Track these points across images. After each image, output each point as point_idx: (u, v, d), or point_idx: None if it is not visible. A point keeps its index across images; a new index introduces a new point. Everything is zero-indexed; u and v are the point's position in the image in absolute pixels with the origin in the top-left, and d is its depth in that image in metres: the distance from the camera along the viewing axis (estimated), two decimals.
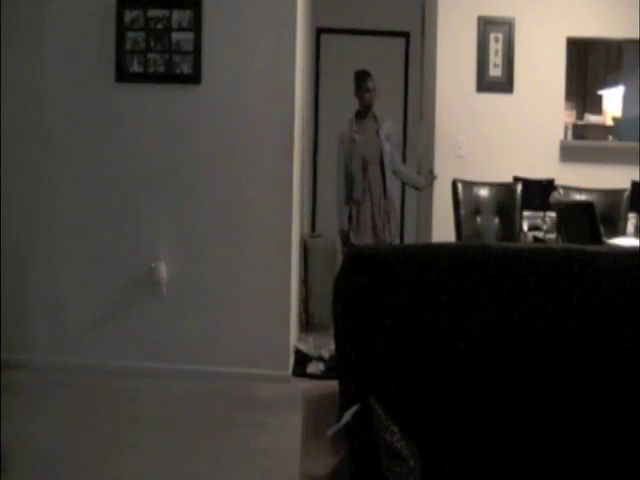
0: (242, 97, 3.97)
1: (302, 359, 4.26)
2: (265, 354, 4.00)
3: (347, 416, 1.37)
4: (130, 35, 3.93)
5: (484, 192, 4.47)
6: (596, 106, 5.81)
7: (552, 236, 4.04)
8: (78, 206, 4.05)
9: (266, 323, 4.00)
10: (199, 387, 3.85)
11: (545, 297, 1.49)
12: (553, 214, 4.06)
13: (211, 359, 4.01)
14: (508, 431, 1.46)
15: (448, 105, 5.16)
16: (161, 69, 3.94)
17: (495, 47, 5.14)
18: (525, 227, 4.47)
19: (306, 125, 5.44)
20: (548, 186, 4.49)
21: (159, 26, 3.92)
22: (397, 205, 4.87)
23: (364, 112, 4.46)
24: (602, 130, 5.45)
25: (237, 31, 3.94)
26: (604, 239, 3.62)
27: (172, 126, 3.99)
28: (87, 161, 4.03)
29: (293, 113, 3.98)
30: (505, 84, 5.16)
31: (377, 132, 4.44)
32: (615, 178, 4.72)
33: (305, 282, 5.28)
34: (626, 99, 5.54)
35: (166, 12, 3.91)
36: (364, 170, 4.40)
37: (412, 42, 6.73)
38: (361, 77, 4.43)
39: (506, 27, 5.13)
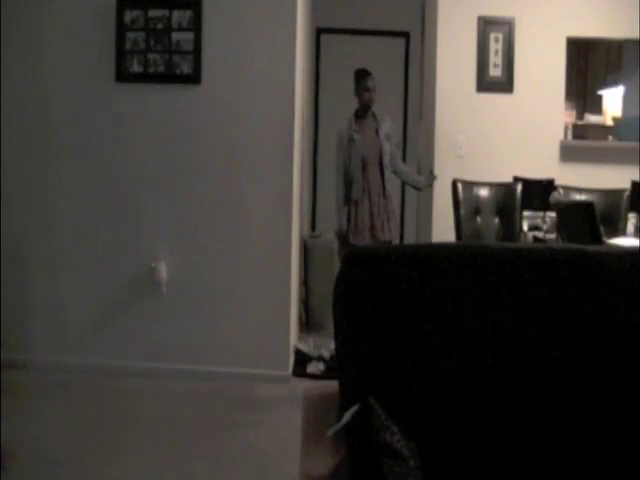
0: (242, 97, 3.97)
1: (302, 359, 4.26)
2: (265, 354, 4.00)
3: (347, 416, 1.37)
4: (130, 35, 3.93)
5: (484, 192, 4.47)
6: (596, 106, 5.82)
7: (552, 236, 4.04)
8: (78, 206, 4.05)
9: (266, 323, 4.00)
10: (199, 387, 3.85)
11: (545, 297, 1.49)
12: (553, 214, 4.06)
13: (211, 359, 4.01)
14: (508, 431, 1.46)
15: (448, 105, 5.16)
16: (161, 69, 3.94)
17: (495, 47, 5.14)
18: (525, 227, 4.47)
19: (306, 125, 5.44)
20: (548, 186, 4.49)
21: (159, 26, 3.92)
22: (396, 205, 4.83)
23: (363, 111, 4.45)
24: (602, 130, 5.45)
25: (237, 31, 3.94)
26: (604, 239, 3.62)
27: (172, 126, 3.99)
28: (87, 161, 4.03)
29: (293, 113, 3.98)
30: (505, 84, 5.16)
31: (377, 131, 4.43)
32: (615, 178, 4.72)
33: (305, 282, 5.28)
34: (626, 99, 5.54)
35: (166, 12, 3.91)
36: (363, 170, 4.38)
37: (412, 42, 6.73)
38: (360, 76, 4.42)
39: (506, 27, 5.13)
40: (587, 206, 3.46)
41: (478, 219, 4.44)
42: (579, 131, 5.44)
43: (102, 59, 3.97)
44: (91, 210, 4.05)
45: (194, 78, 3.94)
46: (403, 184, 4.99)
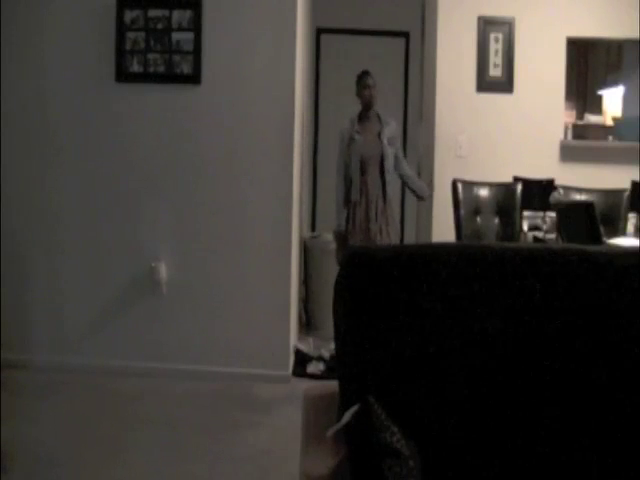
0: (242, 97, 3.97)
1: (302, 359, 4.26)
2: (265, 354, 4.00)
3: (347, 416, 1.37)
4: (130, 35, 3.93)
5: (484, 192, 4.47)
6: (596, 106, 5.82)
7: (552, 236, 4.04)
8: (78, 206, 4.05)
9: (266, 323, 4.00)
10: (199, 387, 3.85)
11: (545, 297, 1.49)
12: (553, 214, 4.06)
13: (211, 359, 4.01)
14: (508, 431, 1.46)
15: (448, 105, 5.16)
16: (161, 69, 3.94)
17: (495, 47, 5.14)
18: (525, 227, 4.46)
19: (306, 125, 5.44)
20: (548, 186, 4.49)
21: (159, 26, 3.92)
22: (396, 210, 4.76)
23: (366, 111, 4.44)
24: (602, 130, 5.46)
25: (237, 31, 3.94)
26: (604, 239, 3.62)
27: (172, 126, 3.99)
28: (87, 161, 4.03)
29: (293, 113, 3.98)
30: (505, 84, 5.16)
31: (379, 134, 4.41)
32: (615, 178, 4.72)
33: (305, 282, 5.28)
34: (626, 99, 5.55)
35: (166, 12, 3.91)
36: (362, 171, 4.37)
37: (412, 42, 6.73)
38: (360, 76, 4.44)
39: (506, 27, 5.13)
40: (587, 206, 3.46)
41: (478, 219, 4.44)
42: (579, 131, 5.44)
43: (102, 59, 3.96)
44: (91, 210, 4.05)
45: (194, 78, 3.94)
46: (403, 186, 4.94)
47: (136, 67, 3.94)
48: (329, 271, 4.93)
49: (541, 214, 4.39)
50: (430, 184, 4.79)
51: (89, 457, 2.99)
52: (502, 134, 5.16)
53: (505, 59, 5.14)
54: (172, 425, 3.36)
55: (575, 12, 5.13)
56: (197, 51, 3.92)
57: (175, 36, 3.92)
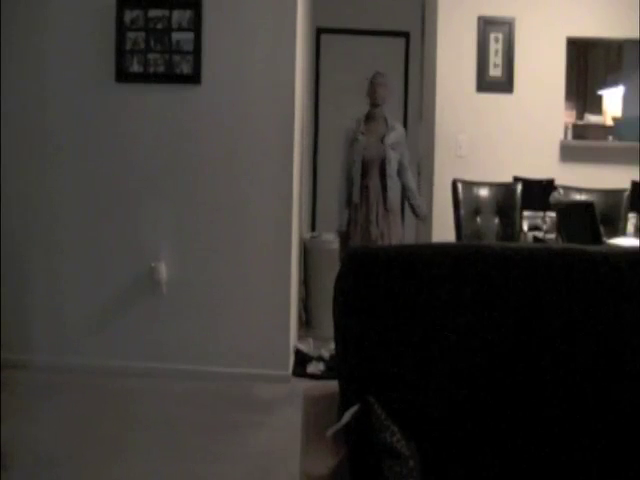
0: (242, 97, 3.97)
1: (302, 359, 4.26)
2: (265, 354, 4.00)
3: (347, 416, 1.37)
4: (130, 35, 3.93)
5: (484, 192, 4.47)
6: (596, 106, 5.82)
7: (552, 236, 4.04)
8: (78, 206, 4.05)
9: (266, 323, 4.00)
10: (199, 387, 3.85)
11: (545, 297, 1.49)
12: (553, 214, 4.06)
13: (211, 359, 4.01)
14: (508, 431, 1.46)
15: (448, 105, 5.16)
16: (161, 69, 3.94)
17: (495, 47, 5.14)
18: (525, 227, 4.46)
19: (306, 125, 5.44)
20: (548, 186, 4.49)
21: (159, 26, 3.92)
22: (399, 216, 4.53)
23: (373, 110, 4.39)
24: (602, 130, 5.46)
25: (237, 31, 3.94)
26: (604, 239, 3.62)
27: (172, 126, 3.99)
28: (87, 161, 4.03)
29: (293, 113, 3.98)
30: (505, 84, 5.16)
31: (382, 139, 4.32)
32: (615, 178, 4.72)
33: (305, 282, 5.28)
34: (626, 99, 5.55)
35: (166, 12, 3.91)
36: (363, 174, 4.33)
37: (412, 42, 6.73)
38: (372, 75, 4.40)
39: (506, 27, 5.13)
40: (587, 206, 3.46)
41: (478, 219, 4.44)
42: (579, 131, 5.44)
43: (102, 59, 3.96)
44: (91, 210, 4.05)
45: (194, 78, 3.93)
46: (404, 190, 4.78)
47: (136, 67, 3.94)
48: (329, 271, 4.92)
49: (541, 214, 4.39)
50: (429, 205, 4.62)
51: (89, 457, 2.99)
52: (502, 134, 5.16)
53: (505, 59, 5.14)
54: (172, 425, 3.36)
55: (575, 12, 5.13)
56: (197, 51, 3.92)
57: (175, 36, 3.92)
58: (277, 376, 3.99)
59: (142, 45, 3.93)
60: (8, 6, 3.94)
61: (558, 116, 5.21)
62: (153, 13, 3.91)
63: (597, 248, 1.65)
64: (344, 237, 4.45)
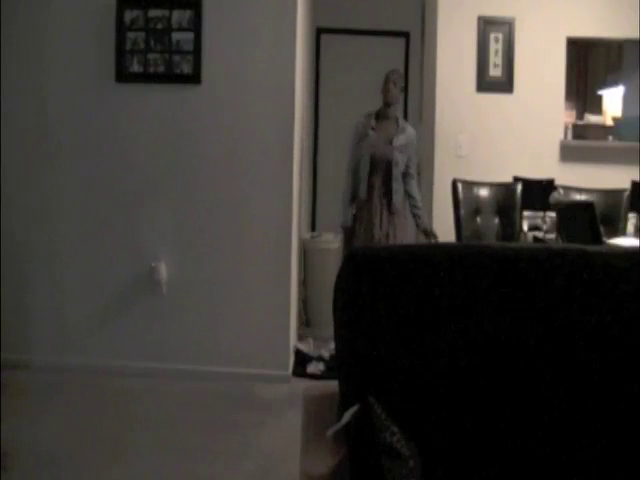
0: (242, 97, 3.96)
1: (302, 359, 4.26)
2: (265, 354, 4.00)
3: (347, 416, 1.37)
4: (130, 35, 3.93)
5: (484, 192, 4.47)
6: (596, 106, 5.83)
7: (552, 236, 4.04)
8: (78, 206, 4.05)
9: (266, 323, 4.00)
10: (199, 387, 3.85)
11: (545, 297, 1.49)
12: (553, 214, 4.06)
13: (211, 359, 4.01)
14: (508, 431, 1.46)
15: (448, 105, 5.16)
16: (161, 69, 3.94)
17: (495, 47, 5.15)
18: (525, 227, 4.47)
19: (306, 125, 5.44)
20: (548, 186, 4.49)
21: (159, 26, 3.92)
22: (404, 217, 4.41)
23: (386, 109, 4.35)
24: (602, 130, 5.46)
25: (237, 31, 3.94)
26: (604, 239, 3.62)
27: (172, 126, 3.99)
28: (87, 161, 4.03)
29: (293, 113, 3.98)
30: (505, 84, 5.16)
31: (391, 140, 4.27)
32: (615, 178, 4.72)
33: (305, 282, 5.28)
34: (626, 99, 5.55)
35: (166, 12, 3.91)
36: (370, 171, 4.31)
37: (412, 42, 6.73)
38: (388, 72, 4.35)
39: (506, 27, 5.14)
40: (587, 206, 3.46)
41: (478, 219, 4.44)
42: (579, 131, 5.45)
43: (102, 59, 3.96)
44: (91, 210, 4.05)
45: (194, 78, 3.93)
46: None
47: (136, 67, 3.94)
48: (329, 271, 4.93)
49: (541, 214, 4.39)
50: (432, 233, 4.40)
51: (89, 457, 2.99)
52: (502, 134, 5.16)
53: (505, 59, 5.14)
54: (172, 425, 3.36)
55: (575, 12, 5.13)
56: (197, 51, 3.92)
57: (175, 36, 3.92)
58: (277, 376, 3.99)
59: (142, 45, 3.93)
60: (8, 6, 3.94)
61: (558, 116, 5.21)
62: (153, 13, 3.91)
63: (597, 248, 1.65)
64: (349, 233, 4.42)
